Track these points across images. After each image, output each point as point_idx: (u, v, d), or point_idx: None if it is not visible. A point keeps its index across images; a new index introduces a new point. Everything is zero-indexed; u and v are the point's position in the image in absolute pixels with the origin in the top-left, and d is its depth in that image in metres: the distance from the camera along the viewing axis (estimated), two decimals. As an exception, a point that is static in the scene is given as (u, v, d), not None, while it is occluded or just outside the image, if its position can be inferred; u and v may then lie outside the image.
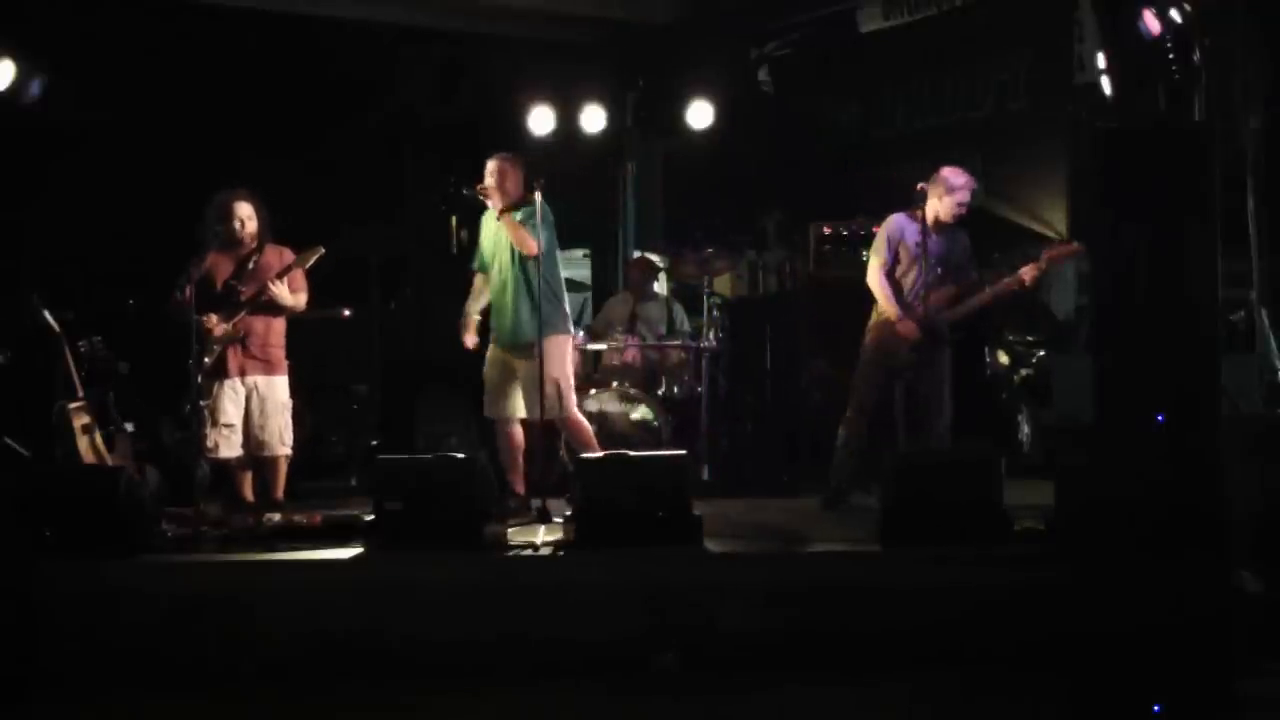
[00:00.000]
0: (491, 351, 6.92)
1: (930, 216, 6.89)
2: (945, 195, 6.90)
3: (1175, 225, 5.92)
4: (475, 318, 7.09)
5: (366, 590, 5.56)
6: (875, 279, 7.00)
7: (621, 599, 5.49)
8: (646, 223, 10.87)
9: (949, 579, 5.55)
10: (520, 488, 6.91)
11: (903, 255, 6.97)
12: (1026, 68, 8.86)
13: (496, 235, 6.88)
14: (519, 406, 6.89)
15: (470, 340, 7.10)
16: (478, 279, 7.09)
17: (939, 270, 6.91)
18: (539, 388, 6.61)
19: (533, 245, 6.64)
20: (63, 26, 8.66)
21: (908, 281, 6.97)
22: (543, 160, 7.83)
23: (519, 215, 6.72)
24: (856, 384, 7.09)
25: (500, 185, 6.76)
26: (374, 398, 9.31)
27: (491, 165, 6.82)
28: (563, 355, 6.90)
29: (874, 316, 7.07)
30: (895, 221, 7.02)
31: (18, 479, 6.15)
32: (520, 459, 6.95)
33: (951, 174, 6.94)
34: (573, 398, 7.02)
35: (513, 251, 6.79)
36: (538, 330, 6.65)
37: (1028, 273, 6.82)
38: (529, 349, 6.70)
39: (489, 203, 6.77)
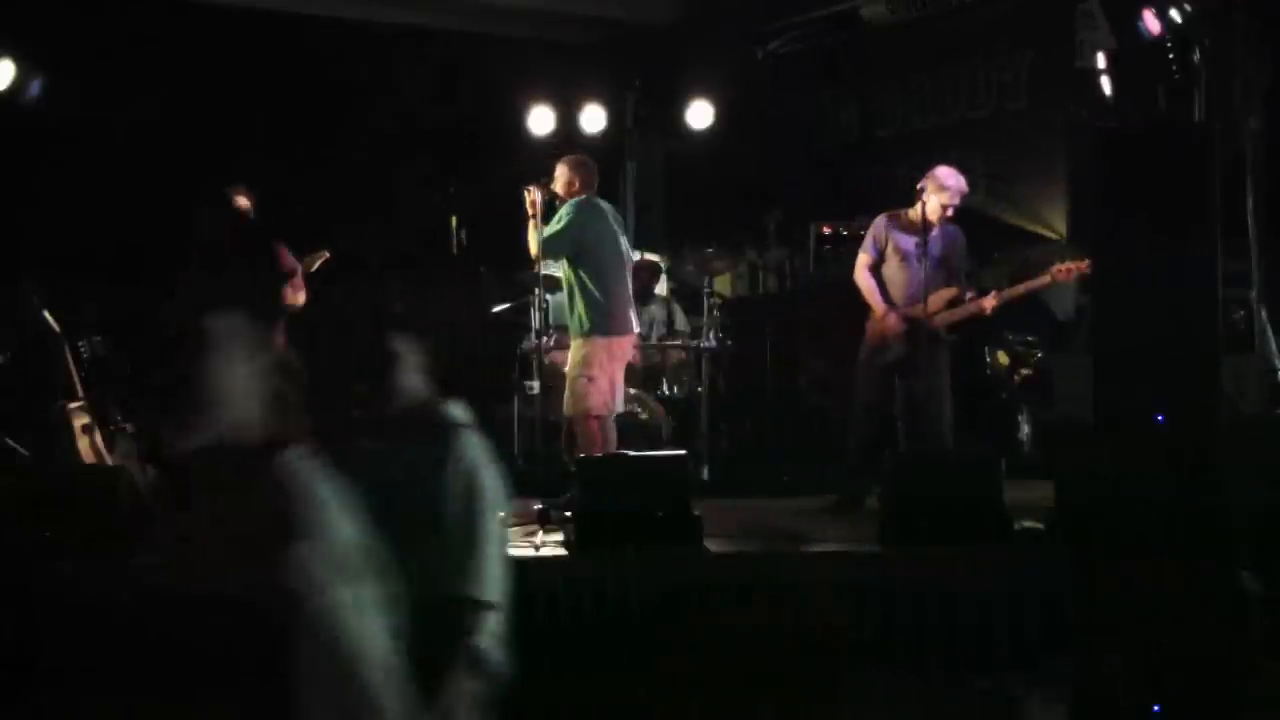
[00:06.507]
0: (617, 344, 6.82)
1: (922, 215, 6.86)
2: (933, 194, 6.83)
3: (1175, 225, 5.93)
4: None
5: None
6: (860, 274, 7.05)
7: (622, 599, 5.49)
8: (646, 223, 10.85)
9: (949, 579, 5.55)
10: None
11: (890, 254, 6.96)
12: (1027, 67, 8.85)
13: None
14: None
15: None
16: None
17: (935, 271, 6.84)
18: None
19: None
20: (63, 26, 8.65)
21: (899, 280, 6.94)
22: (542, 160, 7.81)
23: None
24: (856, 382, 7.10)
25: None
26: (374, 398, 9.26)
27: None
28: None
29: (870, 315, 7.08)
30: (882, 221, 7.04)
31: (18, 479, 6.14)
32: None
33: (946, 174, 6.89)
34: None
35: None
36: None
37: (988, 302, 6.80)
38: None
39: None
